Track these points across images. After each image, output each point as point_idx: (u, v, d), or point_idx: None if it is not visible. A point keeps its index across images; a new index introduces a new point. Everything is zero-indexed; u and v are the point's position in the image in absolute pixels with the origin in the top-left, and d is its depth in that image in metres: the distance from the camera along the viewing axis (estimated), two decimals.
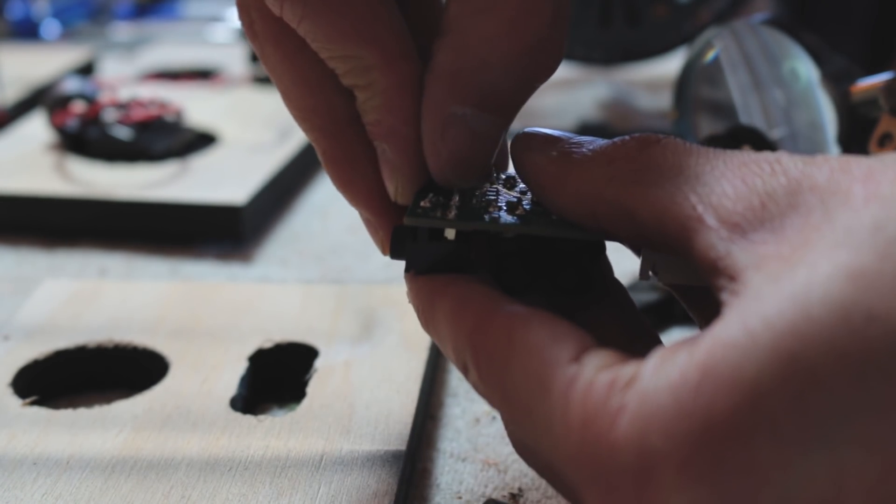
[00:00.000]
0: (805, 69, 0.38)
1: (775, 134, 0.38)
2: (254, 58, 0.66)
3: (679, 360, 0.19)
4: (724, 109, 0.41)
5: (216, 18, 0.90)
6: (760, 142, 0.37)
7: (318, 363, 0.33)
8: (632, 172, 0.23)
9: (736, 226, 0.21)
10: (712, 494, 0.19)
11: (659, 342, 0.26)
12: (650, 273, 0.24)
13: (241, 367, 0.33)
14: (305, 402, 0.31)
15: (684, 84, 0.43)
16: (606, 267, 0.27)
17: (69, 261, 0.46)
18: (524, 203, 0.25)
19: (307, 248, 0.47)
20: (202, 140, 0.55)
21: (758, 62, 0.39)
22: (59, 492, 0.27)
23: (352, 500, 0.27)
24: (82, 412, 0.31)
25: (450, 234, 0.25)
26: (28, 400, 0.32)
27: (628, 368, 0.20)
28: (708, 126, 0.43)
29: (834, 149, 0.37)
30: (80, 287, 0.39)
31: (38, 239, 0.48)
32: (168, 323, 0.36)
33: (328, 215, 0.51)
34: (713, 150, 0.23)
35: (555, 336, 0.22)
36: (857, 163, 0.21)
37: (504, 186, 0.27)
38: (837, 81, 0.36)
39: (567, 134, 0.25)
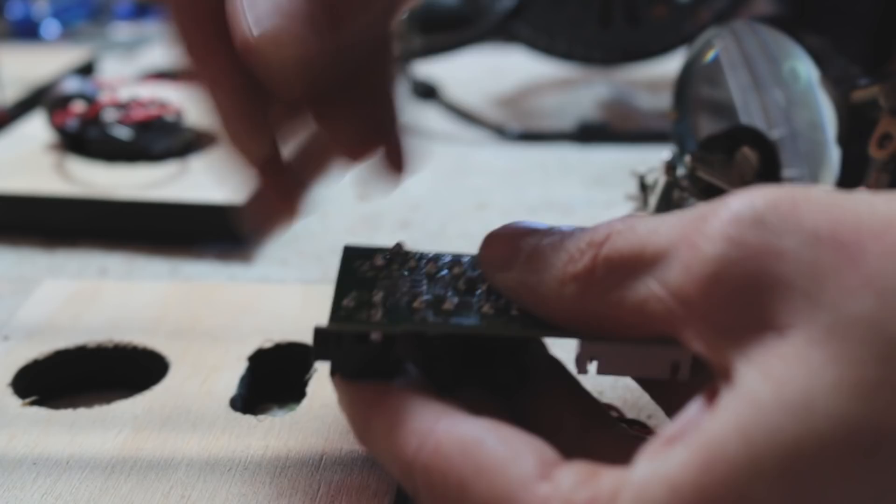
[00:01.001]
0: (805, 69, 0.38)
1: (775, 134, 0.38)
2: None
3: (667, 472, 0.19)
4: (725, 109, 0.41)
5: None
6: (760, 142, 0.37)
7: (318, 363, 0.33)
8: (598, 284, 0.22)
9: (707, 316, 0.20)
10: None
11: (608, 417, 0.25)
12: (587, 366, 0.24)
13: (241, 367, 0.33)
14: (305, 402, 0.31)
15: (684, 84, 0.43)
16: (541, 347, 0.27)
17: (69, 261, 0.46)
18: (450, 296, 0.25)
19: (307, 248, 0.47)
20: (202, 140, 0.55)
21: (758, 62, 0.39)
22: (59, 492, 0.27)
23: (352, 500, 0.27)
24: (82, 412, 0.31)
25: (376, 334, 0.24)
26: (28, 400, 0.32)
27: (606, 481, 0.20)
28: (708, 126, 0.43)
29: (834, 149, 0.37)
30: (80, 287, 0.39)
31: (38, 239, 0.48)
32: (168, 323, 0.36)
33: (328, 215, 0.51)
34: (662, 218, 0.22)
35: (515, 452, 0.21)
36: (837, 231, 0.19)
37: (426, 273, 0.26)
38: (838, 82, 0.36)
39: (523, 240, 0.24)
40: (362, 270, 0.26)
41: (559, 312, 0.23)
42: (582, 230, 0.23)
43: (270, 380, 0.34)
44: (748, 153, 0.36)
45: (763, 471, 0.18)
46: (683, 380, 0.23)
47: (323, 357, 0.25)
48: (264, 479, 0.28)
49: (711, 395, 0.20)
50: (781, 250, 0.19)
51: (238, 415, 0.31)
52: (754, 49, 0.40)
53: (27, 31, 0.85)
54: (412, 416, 0.23)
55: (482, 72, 0.75)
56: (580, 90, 0.70)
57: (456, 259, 0.27)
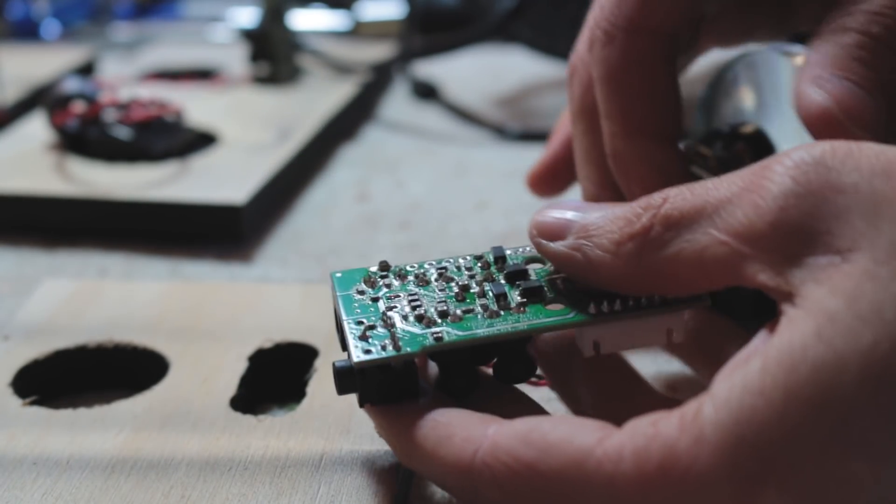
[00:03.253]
0: None
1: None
2: (254, 58, 0.66)
3: (749, 380, 0.20)
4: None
5: (216, 18, 0.90)
6: (759, 141, 0.37)
7: (318, 363, 0.33)
8: (656, 240, 0.23)
9: (775, 247, 0.21)
10: None
11: (635, 383, 0.27)
12: (593, 350, 0.25)
13: (241, 367, 0.33)
14: (305, 402, 0.31)
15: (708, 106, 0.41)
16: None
17: (69, 261, 0.46)
18: (451, 305, 0.26)
19: (307, 248, 0.47)
20: (202, 140, 0.55)
21: (783, 93, 0.38)
22: (59, 492, 0.27)
23: (352, 500, 0.27)
24: (82, 412, 0.31)
25: (397, 361, 0.25)
26: (28, 400, 0.32)
27: (684, 409, 0.20)
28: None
29: None
30: (80, 287, 0.39)
31: (38, 239, 0.48)
32: (168, 323, 0.36)
33: (328, 215, 0.51)
34: (719, 178, 0.23)
35: (573, 427, 0.22)
36: (889, 168, 0.21)
37: (418, 284, 0.27)
38: None
39: (570, 214, 0.26)
40: (360, 296, 0.27)
41: (611, 274, 0.24)
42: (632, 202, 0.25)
43: (270, 380, 0.34)
44: (743, 150, 0.36)
45: (846, 370, 0.19)
46: (678, 342, 0.25)
47: (348, 391, 0.26)
48: (264, 479, 0.28)
49: (773, 327, 0.21)
50: (842, 184, 0.21)
51: (238, 415, 0.31)
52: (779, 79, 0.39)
53: (27, 31, 0.85)
54: (459, 426, 0.24)
55: (482, 72, 0.75)
56: None
57: (440, 266, 0.28)
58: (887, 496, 0.19)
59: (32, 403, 0.32)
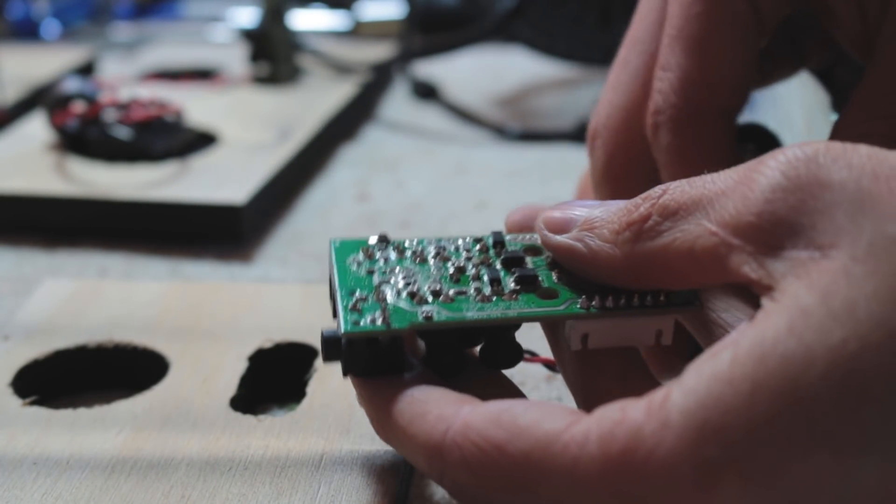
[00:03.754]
0: None
1: None
2: (254, 58, 0.66)
3: (719, 369, 0.20)
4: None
5: (216, 18, 0.90)
6: (767, 140, 0.37)
7: (318, 363, 0.33)
8: (652, 229, 0.24)
9: (759, 238, 0.21)
10: (771, 500, 0.19)
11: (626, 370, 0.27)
12: (581, 343, 0.25)
13: (241, 367, 0.33)
14: (305, 402, 0.31)
15: None
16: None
17: (69, 261, 0.46)
18: (445, 285, 0.26)
19: (307, 248, 0.47)
20: (202, 140, 0.55)
21: (788, 90, 0.38)
22: (59, 492, 0.27)
23: (352, 500, 0.27)
24: (82, 412, 0.31)
25: (385, 335, 0.25)
26: (28, 400, 0.32)
27: (653, 395, 0.21)
28: None
29: None
30: (80, 287, 0.39)
31: (38, 239, 0.48)
32: (168, 323, 0.36)
33: (328, 215, 0.51)
34: (718, 173, 0.23)
35: (544, 412, 0.22)
36: (879, 169, 0.21)
37: (416, 262, 0.27)
38: None
39: (577, 212, 0.26)
40: (356, 266, 0.27)
41: (609, 265, 0.25)
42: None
43: (270, 380, 0.34)
44: (750, 151, 0.36)
45: (814, 364, 0.19)
46: (666, 344, 0.26)
47: (333, 360, 0.26)
48: (264, 479, 0.28)
49: (751, 322, 0.21)
50: (830, 181, 0.21)
51: (238, 415, 0.31)
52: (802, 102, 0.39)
53: (27, 31, 0.85)
54: (434, 404, 0.24)
55: (482, 72, 0.75)
56: (580, 90, 0.70)
57: (439, 245, 0.28)
58: (847, 493, 0.19)
59: (32, 403, 0.32)
